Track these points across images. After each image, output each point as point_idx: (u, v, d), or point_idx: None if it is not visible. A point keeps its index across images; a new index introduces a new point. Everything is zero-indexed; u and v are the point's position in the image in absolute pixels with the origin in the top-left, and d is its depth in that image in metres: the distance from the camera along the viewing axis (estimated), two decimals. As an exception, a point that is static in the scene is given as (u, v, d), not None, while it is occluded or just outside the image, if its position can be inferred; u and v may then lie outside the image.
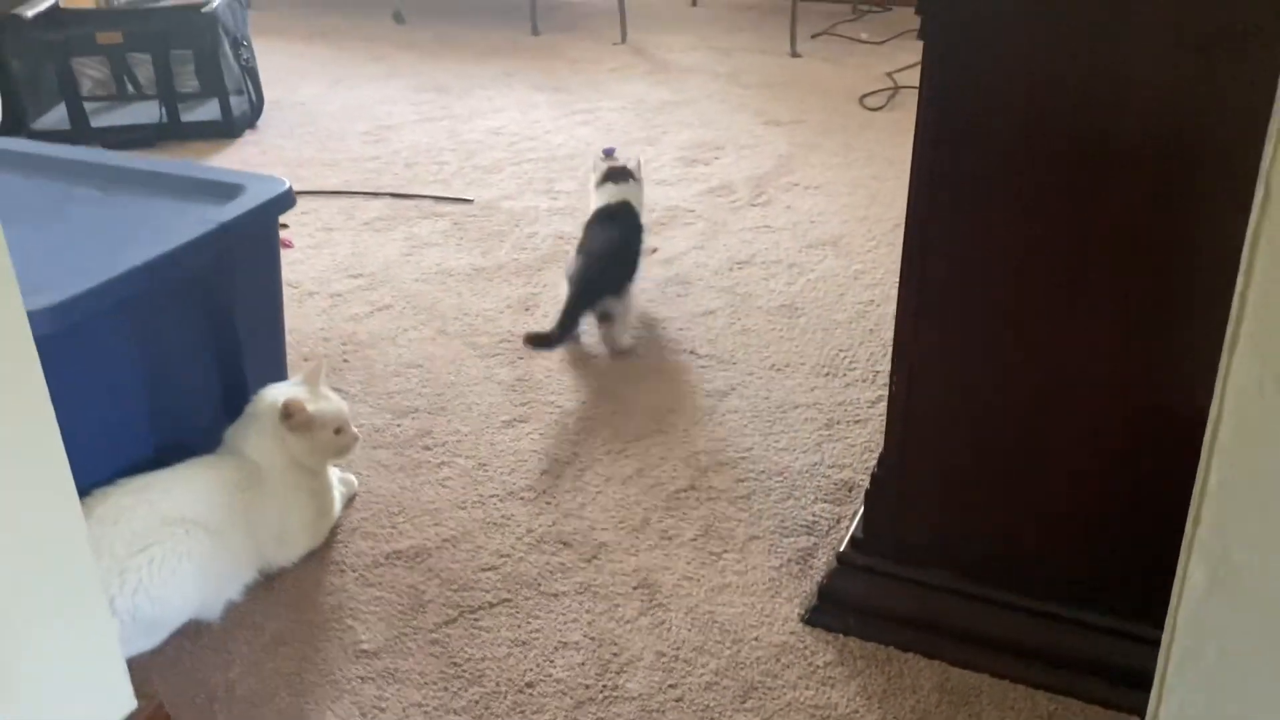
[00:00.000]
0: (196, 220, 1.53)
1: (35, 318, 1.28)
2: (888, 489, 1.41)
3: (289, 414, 1.51)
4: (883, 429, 1.40)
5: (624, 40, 4.19)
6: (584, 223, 2.22)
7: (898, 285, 1.30)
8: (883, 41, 4.03)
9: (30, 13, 3.13)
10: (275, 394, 1.55)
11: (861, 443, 1.81)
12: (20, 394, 1.01)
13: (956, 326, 1.29)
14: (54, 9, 3.24)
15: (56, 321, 1.31)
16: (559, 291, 2.32)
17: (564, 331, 2.00)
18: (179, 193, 1.67)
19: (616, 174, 2.22)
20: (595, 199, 2.22)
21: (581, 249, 2.14)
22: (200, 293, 1.57)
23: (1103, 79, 1.10)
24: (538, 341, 2.00)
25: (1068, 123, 1.13)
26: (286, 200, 1.64)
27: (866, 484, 1.46)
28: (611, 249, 2.10)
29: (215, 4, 3.16)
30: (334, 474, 1.66)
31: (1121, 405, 1.24)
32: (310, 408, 1.53)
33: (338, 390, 1.98)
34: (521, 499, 1.70)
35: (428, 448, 1.82)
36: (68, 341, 1.35)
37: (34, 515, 1.05)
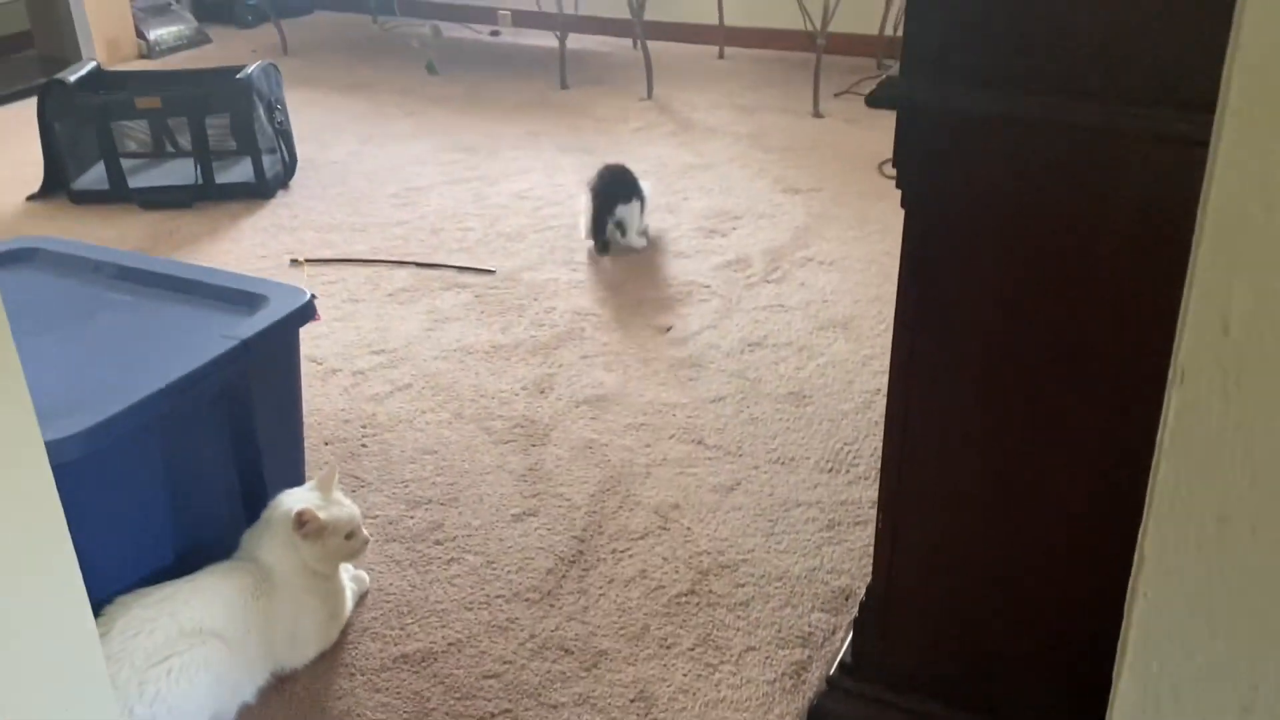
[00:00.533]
0: (222, 334, 1.61)
1: (63, 444, 1.38)
2: (875, 619, 1.45)
3: (302, 523, 1.58)
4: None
5: (650, 96, 4.25)
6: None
7: (883, 438, 1.34)
8: (906, 101, 4.06)
9: (73, 77, 3.25)
10: (290, 502, 1.62)
11: (860, 547, 1.86)
12: (37, 526, 1.05)
13: (943, 455, 1.32)
14: (96, 73, 3.36)
15: (83, 447, 1.39)
16: (574, 371, 2.40)
17: (599, 235, 2.90)
18: (207, 300, 1.75)
19: None
20: None
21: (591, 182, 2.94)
22: (223, 404, 1.64)
23: (1087, 184, 1.11)
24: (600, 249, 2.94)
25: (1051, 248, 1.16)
26: (308, 312, 1.71)
27: (861, 594, 1.50)
28: (621, 171, 2.96)
29: (250, 70, 3.26)
30: (346, 571, 1.73)
31: (1116, 531, 1.26)
32: (322, 515, 1.59)
33: (355, 477, 2.06)
34: (526, 600, 1.75)
35: (439, 542, 1.89)
36: (93, 460, 1.43)
37: (50, 645, 1.11)
